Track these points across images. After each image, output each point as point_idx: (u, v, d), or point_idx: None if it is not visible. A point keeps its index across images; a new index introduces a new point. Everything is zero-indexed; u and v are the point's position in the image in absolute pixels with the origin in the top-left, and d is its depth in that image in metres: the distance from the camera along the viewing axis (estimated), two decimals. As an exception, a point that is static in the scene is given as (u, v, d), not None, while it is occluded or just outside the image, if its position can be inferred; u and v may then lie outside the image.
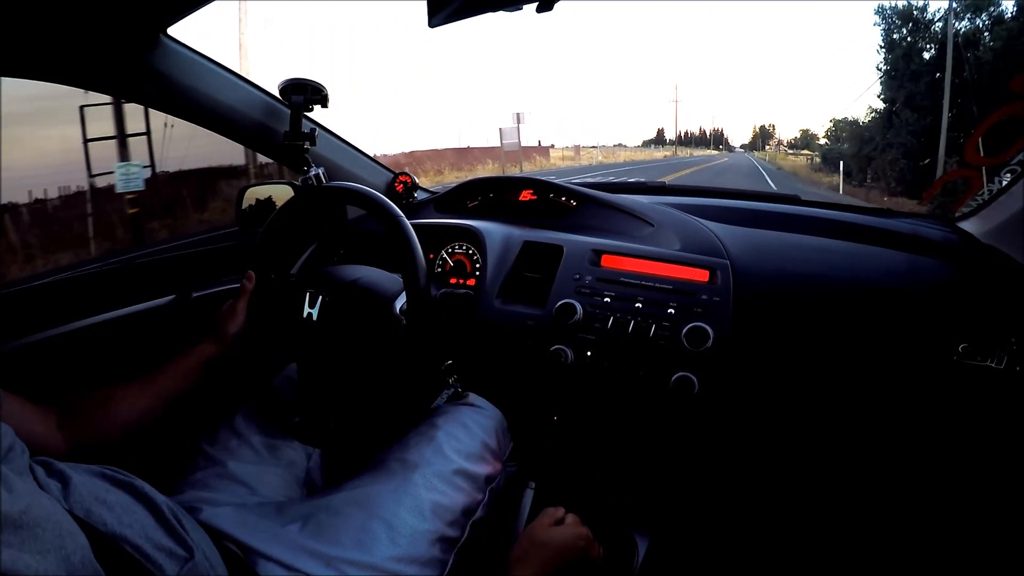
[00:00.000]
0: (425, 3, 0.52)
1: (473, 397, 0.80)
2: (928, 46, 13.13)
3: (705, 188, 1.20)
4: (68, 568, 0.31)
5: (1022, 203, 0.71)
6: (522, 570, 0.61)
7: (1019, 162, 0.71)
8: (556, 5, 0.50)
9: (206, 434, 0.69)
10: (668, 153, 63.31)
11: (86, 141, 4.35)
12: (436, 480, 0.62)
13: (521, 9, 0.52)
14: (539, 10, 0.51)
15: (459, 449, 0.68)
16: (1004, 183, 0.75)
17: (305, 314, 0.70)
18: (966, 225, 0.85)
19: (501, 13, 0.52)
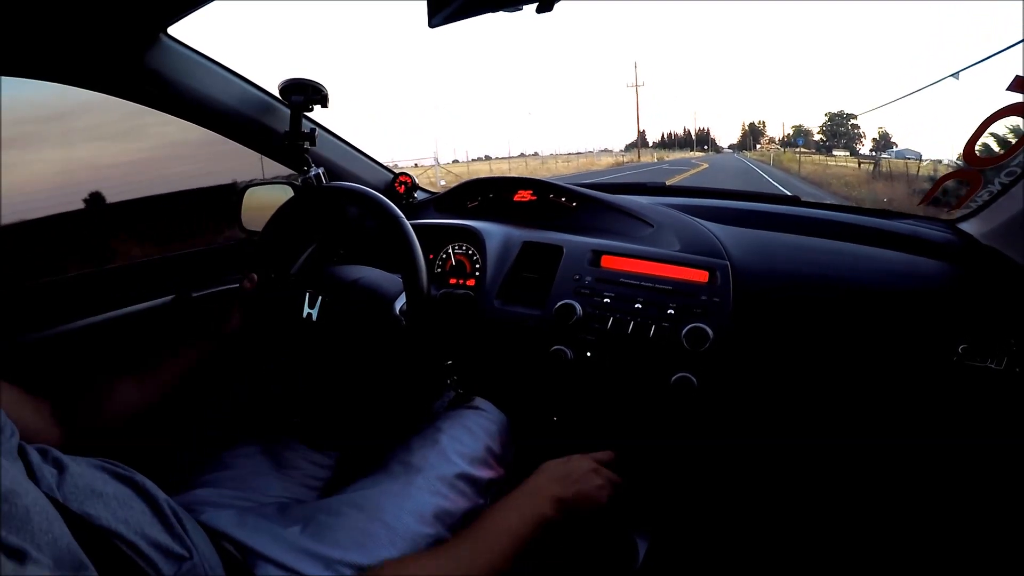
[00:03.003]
0: (425, 3, 0.52)
1: (478, 400, 0.80)
2: None
3: (705, 189, 1.21)
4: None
5: (1022, 204, 0.71)
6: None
7: (1019, 163, 0.71)
8: (556, 5, 0.50)
9: (210, 437, 0.69)
10: (624, 160, 41.76)
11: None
12: (439, 484, 0.62)
13: (521, 9, 0.52)
14: (539, 10, 0.51)
15: (463, 453, 0.67)
16: (1004, 184, 0.75)
17: (305, 314, 0.70)
18: (966, 226, 0.85)
19: (501, 13, 0.52)
